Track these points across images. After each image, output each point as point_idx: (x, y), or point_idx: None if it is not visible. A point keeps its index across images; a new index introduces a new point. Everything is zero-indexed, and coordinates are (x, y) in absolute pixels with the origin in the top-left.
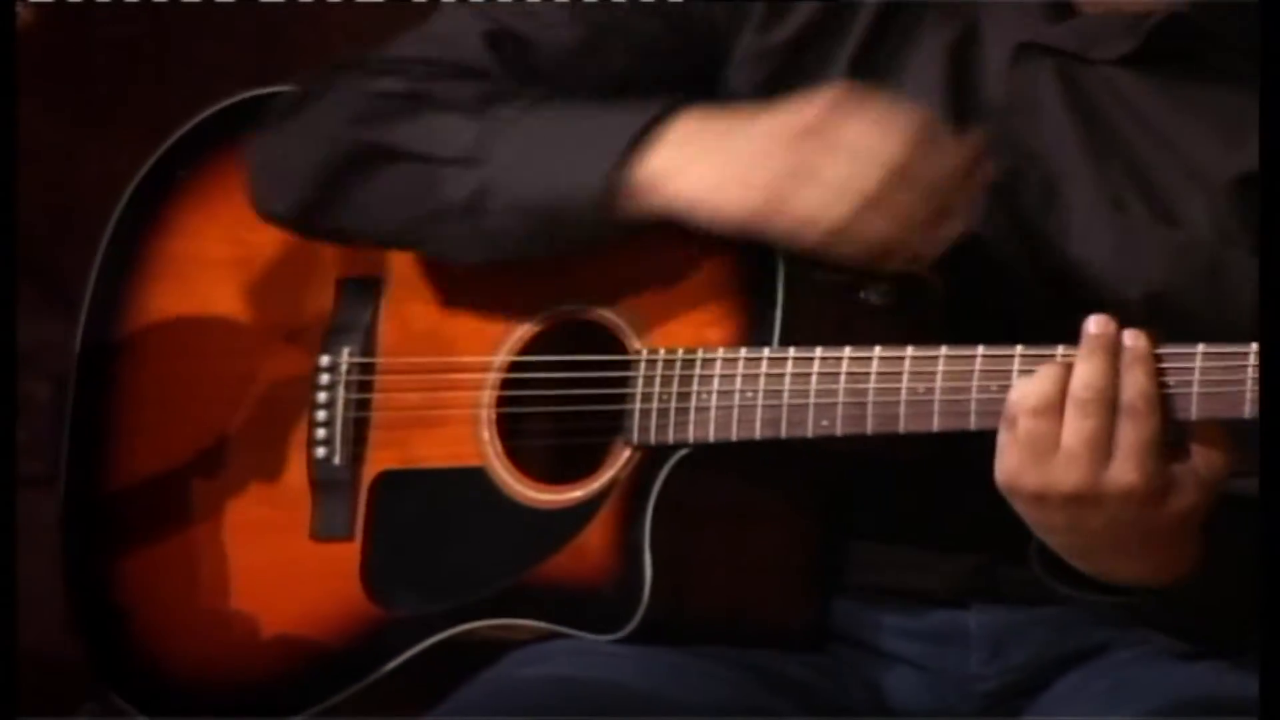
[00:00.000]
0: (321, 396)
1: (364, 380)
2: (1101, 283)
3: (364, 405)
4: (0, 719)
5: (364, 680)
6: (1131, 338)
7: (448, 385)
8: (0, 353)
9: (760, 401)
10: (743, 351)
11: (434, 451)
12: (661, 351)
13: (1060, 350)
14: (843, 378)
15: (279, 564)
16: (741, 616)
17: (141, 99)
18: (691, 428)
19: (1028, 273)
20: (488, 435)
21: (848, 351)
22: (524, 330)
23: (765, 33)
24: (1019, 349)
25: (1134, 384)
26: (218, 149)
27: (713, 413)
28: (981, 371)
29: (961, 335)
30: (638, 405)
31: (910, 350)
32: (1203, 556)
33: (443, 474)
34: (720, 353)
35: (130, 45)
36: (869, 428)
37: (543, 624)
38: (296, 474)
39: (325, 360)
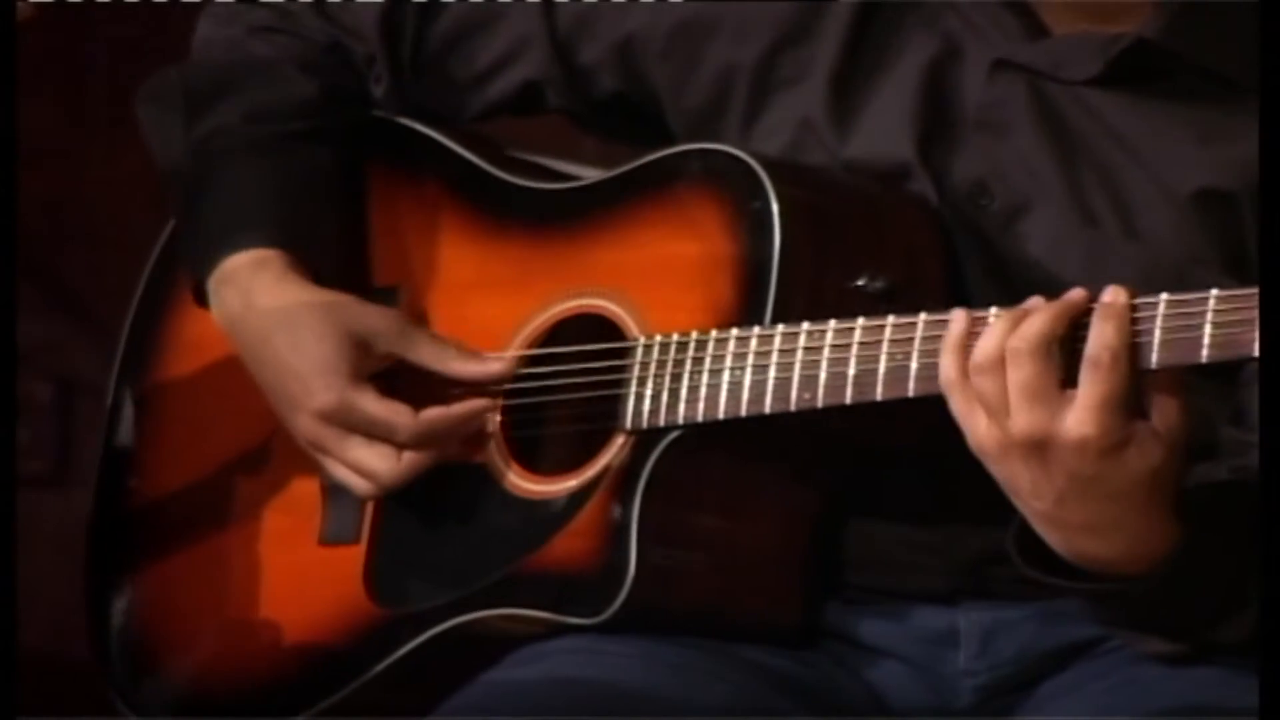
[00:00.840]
0: None
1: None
2: None
3: None
4: (0, 719)
5: (361, 678)
6: (1111, 294)
7: (456, 384)
8: (0, 353)
9: (748, 379)
10: (733, 332)
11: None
12: (658, 338)
13: (1036, 301)
14: (826, 350)
15: (288, 570)
16: (727, 606)
17: None
18: (682, 409)
19: (1001, 284)
20: (492, 431)
21: (832, 324)
22: (531, 328)
23: (737, 44)
24: (993, 310)
25: (1100, 337)
26: None
27: (703, 392)
28: None
29: None
30: (633, 390)
31: (891, 319)
32: (1179, 542)
33: (446, 472)
34: (712, 334)
35: (130, 45)
36: (848, 397)
37: (530, 611)
38: (310, 481)
39: None
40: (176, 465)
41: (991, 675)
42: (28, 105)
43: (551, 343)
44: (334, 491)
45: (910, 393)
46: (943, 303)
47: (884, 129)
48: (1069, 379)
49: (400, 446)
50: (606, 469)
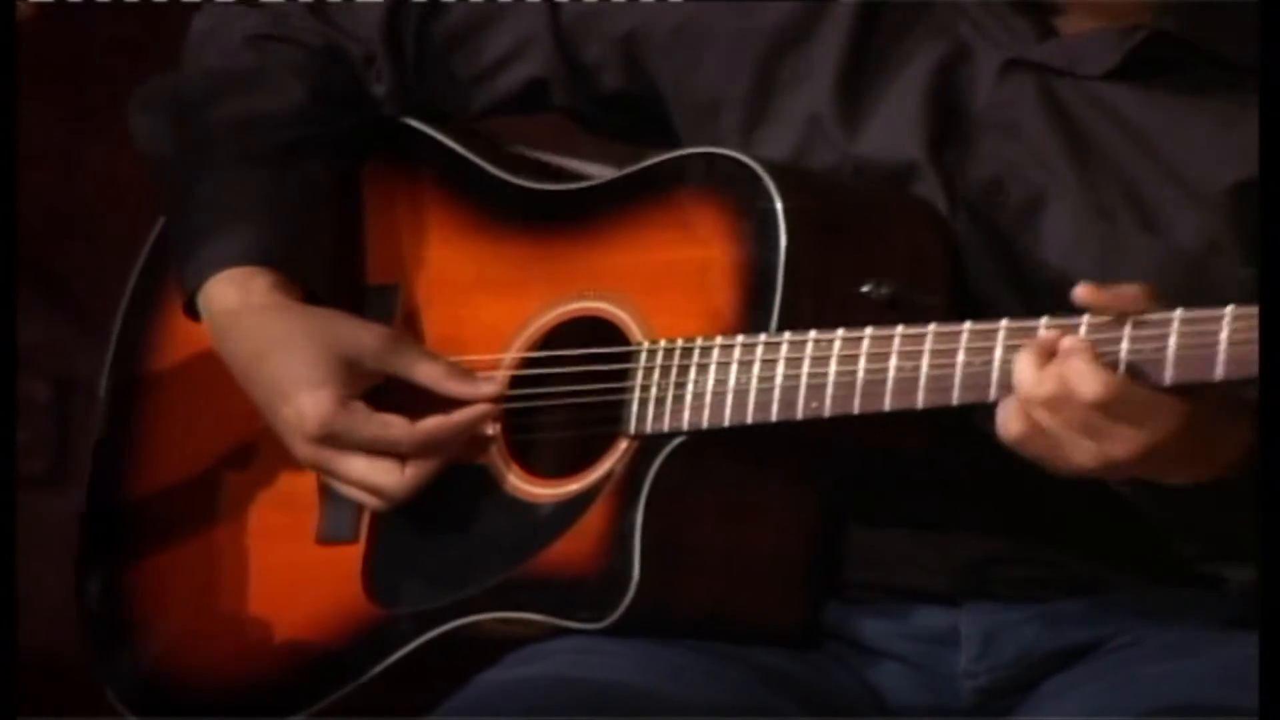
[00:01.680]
0: None
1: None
2: None
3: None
4: (0, 719)
5: (360, 678)
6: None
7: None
8: (0, 353)
9: (754, 386)
10: (739, 338)
11: None
12: (661, 343)
13: (1043, 321)
14: (834, 359)
15: (284, 568)
16: (731, 609)
17: None
18: (686, 415)
19: (1014, 282)
20: (493, 433)
21: (840, 333)
22: (533, 329)
23: (739, 43)
24: (1003, 322)
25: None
26: None
27: (708, 399)
28: (967, 348)
29: None
30: (636, 395)
31: (900, 329)
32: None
33: (446, 473)
34: (717, 340)
35: (130, 45)
36: (856, 407)
37: (533, 615)
38: (305, 479)
39: None
40: (170, 462)
41: (992, 677)
42: (26, 105)
43: (552, 345)
44: (331, 490)
45: (919, 404)
46: (948, 310)
47: (893, 129)
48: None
49: (403, 457)
50: (609, 473)
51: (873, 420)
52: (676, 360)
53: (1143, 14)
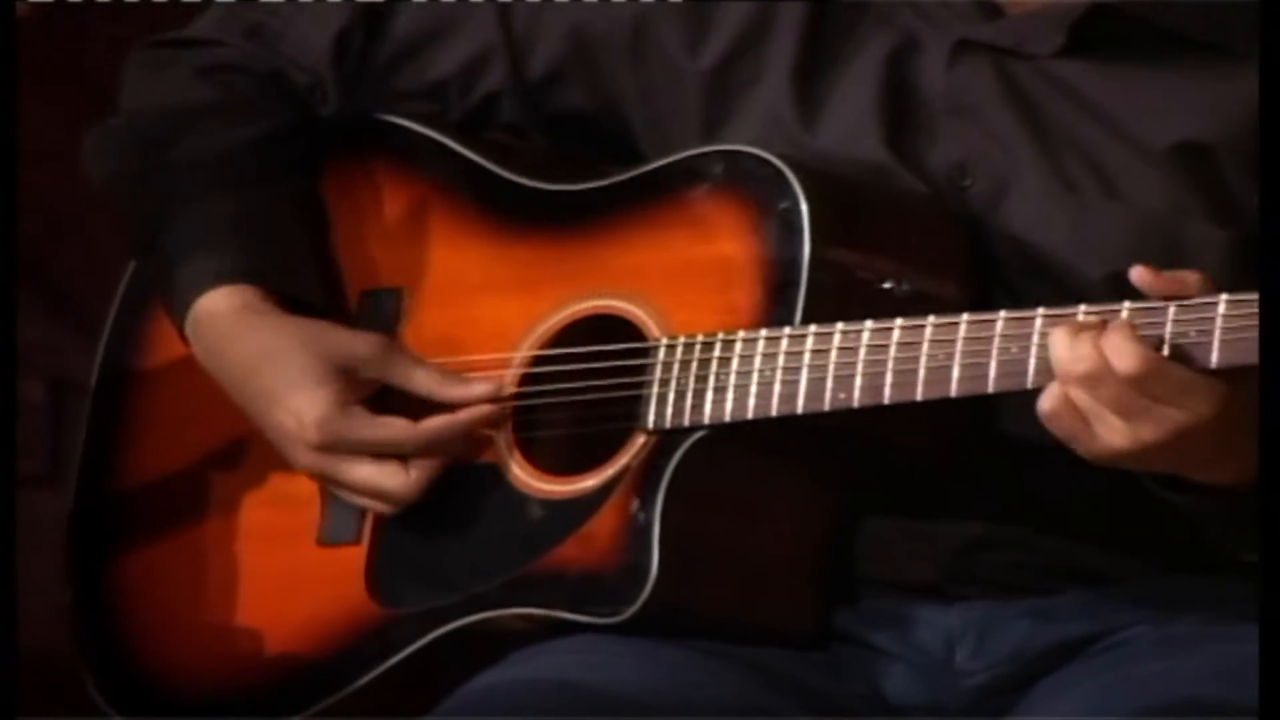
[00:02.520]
0: None
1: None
2: (1063, 266)
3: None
4: (0, 719)
5: (363, 679)
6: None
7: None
8: (0, 353)
9: (778, 378)
10: (763, 331)
11: None
12: (681, 338)
13: (1082, 309)
14: (863, 350)
15: (285, 570)
16: (744, 605)
17: None
18: (708, 409)
19: (989, 264)
20: (502, 430)
21: (869, 324)
22: (544, 329)
23: (692, 49)
24: (1040, 310)
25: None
26: None
27: (730, 393)
28: (1002, 335)
29: None
30: (655, 390)
31: (932, 318)
32: None
33: (453, 472)
34: (740, 334)
35: (129, 45)
36: (886, 397)
37: (547, 611)
38: (304, 480)
39: None
40: (167, 463)
41: (989, 675)
42: (24, 106)
43: (563, 344)
44: (332, 492)
45: (953, 393)
46: (968, 304)
47: (851, 123)
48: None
49: (408, 458)
50: (626, 469)
51: (887, 416)
52: (697, 354)
53: None
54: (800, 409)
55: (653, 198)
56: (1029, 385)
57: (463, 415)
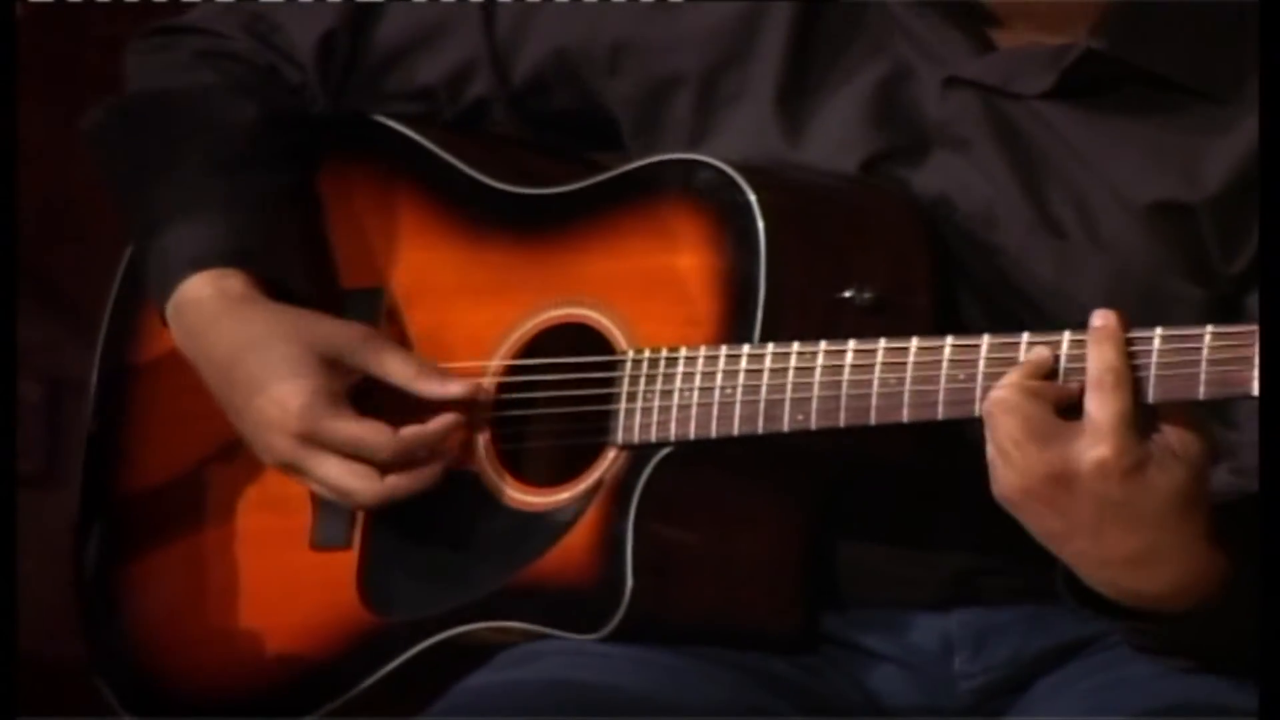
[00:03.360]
0: None
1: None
2: (1044, 308)
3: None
4: (0, 719)
5: (358, 686)
6: (1101, 317)
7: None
8: (0, 353)
9: (739, 398)
10: (723, 349)
11: None
12: (646, 351)
13: (1025, 337)
14: (818, 371)
15: (278, 574)
16: (725, 618)
17: None
18: (673, 426)
19: (975, 296)
20: (482, 439)
21: (823, 345)
22: (518, 335)
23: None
24: (986, 337)
25: (1100, 359)
26: None
27: (694, 411)
28: (950, 361)
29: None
30: (623, 405)
31: (883, 342)
32: (1230, 573)
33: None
34: (701, 351)
35: (123, 45)
36: (841, 420)
37: (529, 625)
38: (298, 484)
39: None
40: (166, 462)
41: (987, 678)
42: (22, 106)
43: (537, 351)
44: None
45: (905, 419)
46: (936, 310)
47: (836, 145)
48: (1070, 412)
49: (382, 466)
50: (599, 482)
51: (859, 430)
52: (662, 369)
53: (1078, 24)
54: (760, 429)
55: (618, 205)
56: (976, 414)
57: (433, 425)
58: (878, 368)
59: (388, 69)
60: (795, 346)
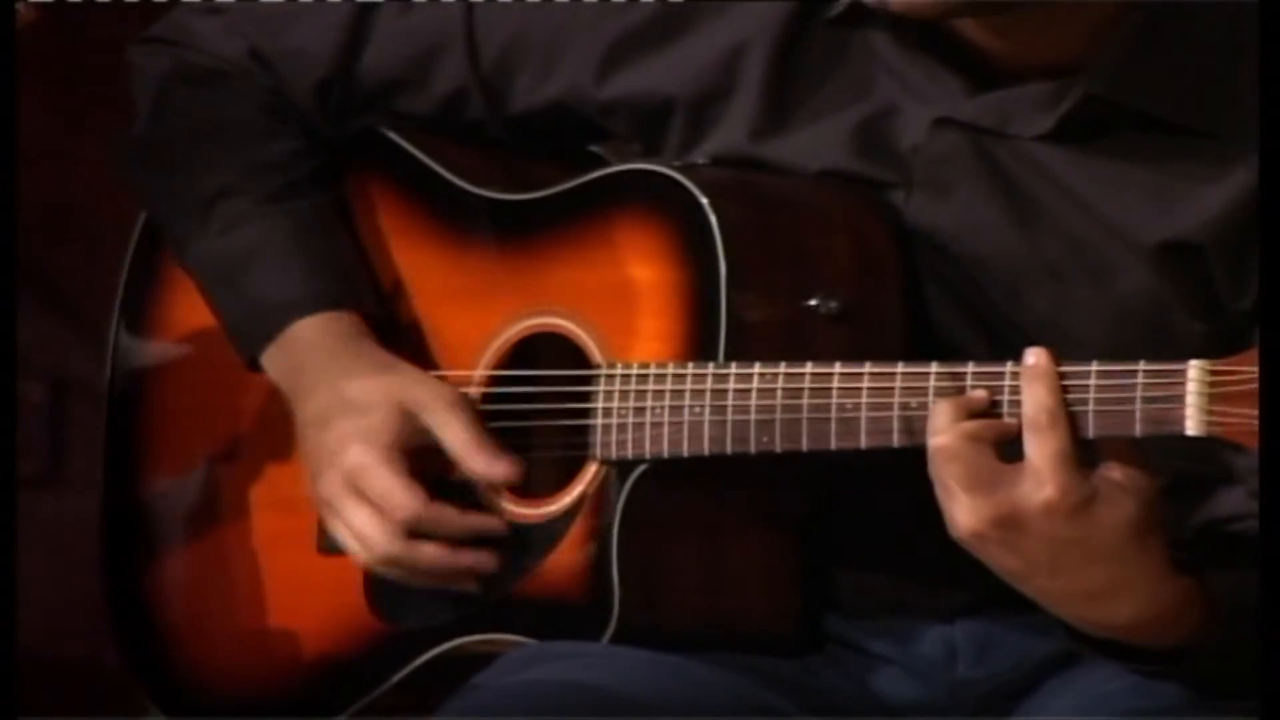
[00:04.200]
0: None
1: None
2: (1041, 341)
3: None
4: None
5: (369, 695)
6: (1033, 355)
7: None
8: (0, 353)
9: (707, 417)
10: (690, 367)
11: None
12: (619, 366)
13: (971, 367)
14: (779, 393)
15: (288, 577)
16: (720, 628)
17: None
18: (648, 443)
19: (970, 326)
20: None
21: (783, 367)
22: (500, 342)
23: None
24: (934, 366)
25: (1034, 400)
26: None
27: (666, 428)
28: (902, 388)
29: (916, 342)
30: (599, 420)
31: (838, 366)
32: (1206, 606)
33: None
34: (670, 368)
35: (124, 45)
36: (804, 444)
37: (527, 639)
38: (306, 488)
39: None
40: (181, 462)
41: (992, 683)
42: (22, 105)
43: (520, 359)
44: None
45: (863, 444)
46: (905, 318)
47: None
48: (1010, 453)
49: (395, 524)
50: (583, 497)
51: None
52: (634, 386)
53: (1072, 64)
54: (729, 450)
55: (582, 213)
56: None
57: (458, 520)
58: (835, 392)
59: (385, 101)
60: (757, 367)
